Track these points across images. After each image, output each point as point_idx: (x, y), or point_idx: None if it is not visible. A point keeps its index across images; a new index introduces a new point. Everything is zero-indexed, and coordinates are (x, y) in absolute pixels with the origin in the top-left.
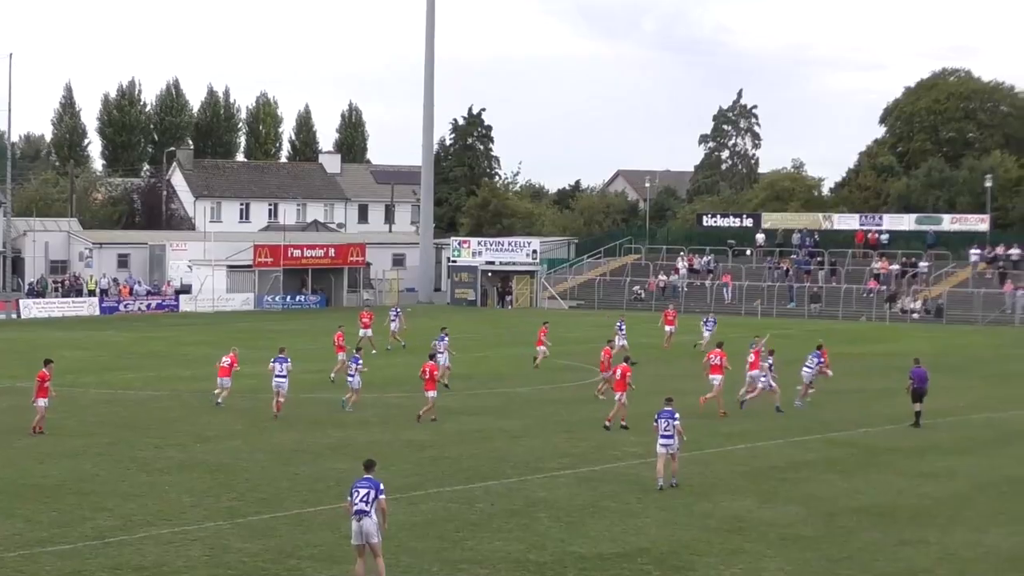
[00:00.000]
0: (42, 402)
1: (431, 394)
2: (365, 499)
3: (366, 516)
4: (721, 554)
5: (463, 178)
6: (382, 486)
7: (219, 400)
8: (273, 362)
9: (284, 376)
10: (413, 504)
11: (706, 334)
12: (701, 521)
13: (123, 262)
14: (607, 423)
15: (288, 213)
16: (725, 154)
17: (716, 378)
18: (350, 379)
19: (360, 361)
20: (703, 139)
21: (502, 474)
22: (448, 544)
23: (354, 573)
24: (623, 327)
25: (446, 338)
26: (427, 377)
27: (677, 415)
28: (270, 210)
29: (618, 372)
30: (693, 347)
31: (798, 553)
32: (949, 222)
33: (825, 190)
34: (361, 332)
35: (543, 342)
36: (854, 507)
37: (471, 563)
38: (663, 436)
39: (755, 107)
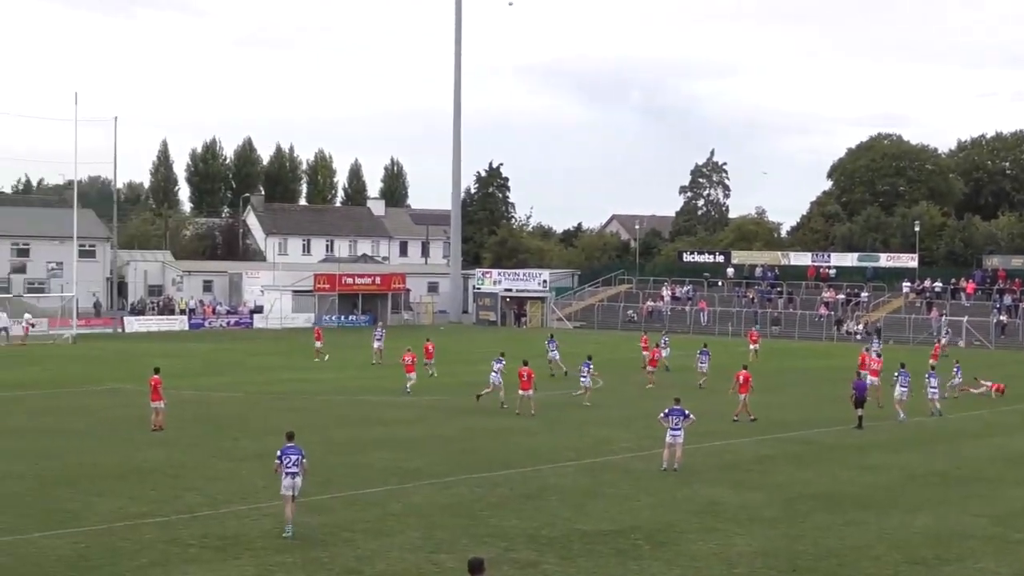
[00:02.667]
0: (159, 404)
1: (527, 393)
2: (296, 463)
3: (297, 476)
4: (700, 531)
5: (485, 220)
6: (303, 451)
7: (408, 388)
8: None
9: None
10: (445, 488)
11: (703, 367)
12: (683, 504)
13: (207, 287)
14: (735, 417)
15: (342, 248)
16: (700, 202)
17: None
18: (494, 376)
19: (503, 362)
20: (682, 189)
21: (519, 464)
22: (474, 522)
23: (285, 515)
24: (666, 341)
25: (555, 347)
26: (524, 379)
27: (687, 411)
28: (327, 245)
29: (740, 378)
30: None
31: (761, 531)
32: (885, 260)
33: (783, 232)
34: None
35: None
36: (808, 494)
37: (494, 537)
38: (673, 429)
39: (725, 163)
